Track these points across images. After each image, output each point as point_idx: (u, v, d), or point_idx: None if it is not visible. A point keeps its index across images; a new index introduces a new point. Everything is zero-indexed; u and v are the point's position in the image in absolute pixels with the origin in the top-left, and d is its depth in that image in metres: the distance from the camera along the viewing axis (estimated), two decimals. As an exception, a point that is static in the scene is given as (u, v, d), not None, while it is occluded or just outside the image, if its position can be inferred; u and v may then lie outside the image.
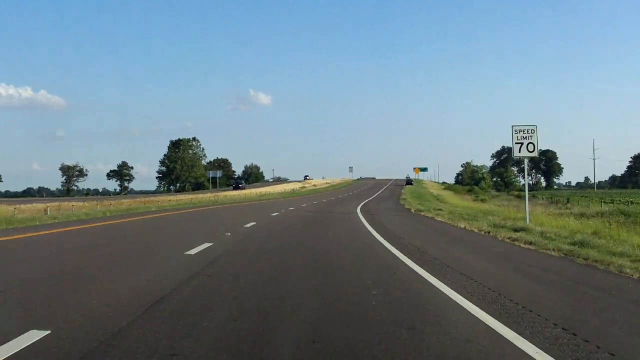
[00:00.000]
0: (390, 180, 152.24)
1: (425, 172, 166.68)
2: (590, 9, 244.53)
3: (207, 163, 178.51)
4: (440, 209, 33.21)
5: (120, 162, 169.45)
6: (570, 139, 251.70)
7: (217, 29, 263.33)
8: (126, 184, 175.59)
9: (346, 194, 72.74)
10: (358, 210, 34.49)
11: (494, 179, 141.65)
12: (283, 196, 71.62)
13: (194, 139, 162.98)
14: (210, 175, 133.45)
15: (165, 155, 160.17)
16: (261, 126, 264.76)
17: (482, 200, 73.83)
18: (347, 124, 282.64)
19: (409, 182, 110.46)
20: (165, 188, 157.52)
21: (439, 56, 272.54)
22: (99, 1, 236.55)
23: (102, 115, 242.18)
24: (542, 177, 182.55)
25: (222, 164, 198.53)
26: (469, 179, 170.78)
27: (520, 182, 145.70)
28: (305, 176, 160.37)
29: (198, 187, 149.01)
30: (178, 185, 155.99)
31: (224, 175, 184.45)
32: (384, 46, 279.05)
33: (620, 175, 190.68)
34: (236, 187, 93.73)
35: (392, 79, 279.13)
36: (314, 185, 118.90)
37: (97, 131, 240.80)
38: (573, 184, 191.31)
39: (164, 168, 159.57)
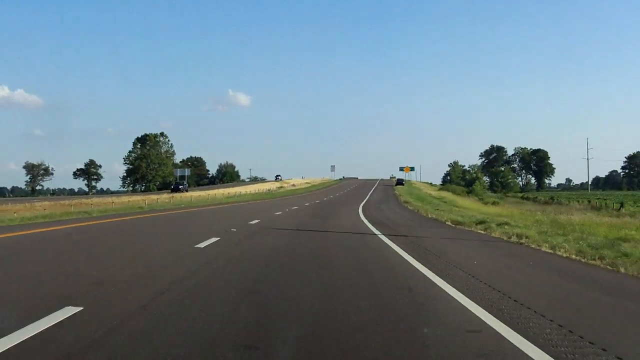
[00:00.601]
0: (376, 180, 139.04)
1: (412, 171, 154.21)
2: (586, 6, 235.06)
3: (180, 162, 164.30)
4: (506, 223, 19.57)
5: (87, 161, 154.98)
6: (554, 138, 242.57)
7: (199, 30, 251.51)
8: (94, 184, 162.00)
9: (332, 196, 59.18)
10: (366, 222, 20.93)
11: (487, 180, 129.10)
12: (256, 198, 57.65)
13: (161, 134, 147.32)
14: (178, 174, 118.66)
15: (130, 152, 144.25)
16: (240, 126, 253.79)
17: (494, 204, 60.92)
18: (328, 123, 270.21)
19: (399, 182, 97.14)
20: (130, 188, 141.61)
21: (420, 57, 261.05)
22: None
23: (80, 115, 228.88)
24: (533, 178, 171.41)
25: (195, 163, 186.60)
26: (457, 179, 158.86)
27: (519, 183, 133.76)
28: (277, 176, 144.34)
29: (166, 186, 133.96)
30: (144, 184, 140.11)
31: (194, 174, 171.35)
32: (366, 46, 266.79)
33: (604, 176, 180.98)
34: (175, 189, 79.15)
35: (373, 79, 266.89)
36: (293, 185, 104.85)
37: (74, 130, 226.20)
38: (553, 184, 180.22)
39: (129, 166, 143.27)
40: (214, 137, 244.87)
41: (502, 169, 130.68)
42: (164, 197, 51.32)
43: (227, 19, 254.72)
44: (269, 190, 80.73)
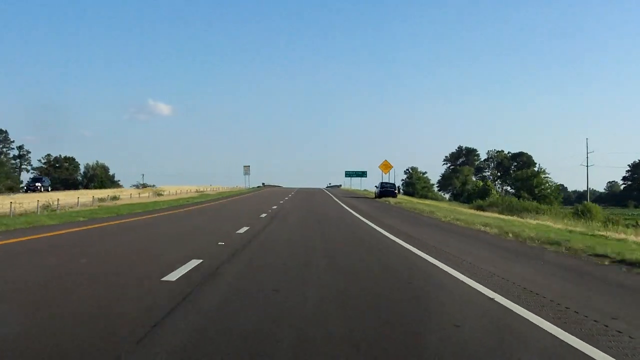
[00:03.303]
0: (316, 189, 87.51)
1: (364, 177, 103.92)
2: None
3: (43, 163, 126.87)
4: None
5: None
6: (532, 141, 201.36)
7: (116, 38, 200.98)
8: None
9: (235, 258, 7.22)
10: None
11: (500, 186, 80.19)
12: None
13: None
14: None
15: None
16: (155, 133, 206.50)
17: None
18: (243, 128, 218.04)
19: (387, 190, 43.58)
20: None
21: (355, 55, 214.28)
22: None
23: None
24: (510, 188, 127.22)
25: (63, 164, 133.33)
26: (424, 190, 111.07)
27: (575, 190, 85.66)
28: (34, 180, 65.61)
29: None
30: None
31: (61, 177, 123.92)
32: (293, 46, 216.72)
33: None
34: None
35: (304, 82, 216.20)
36: (159, 194, 50.13)
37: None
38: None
39: None
40: (129, 145, 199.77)
41: (533, 172, 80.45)
42: None
43: (147, 29, 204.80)
44: (44, 206, 25.51)
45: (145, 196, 44.47)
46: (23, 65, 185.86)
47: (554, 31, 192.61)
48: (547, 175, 76.00)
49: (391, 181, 53.18)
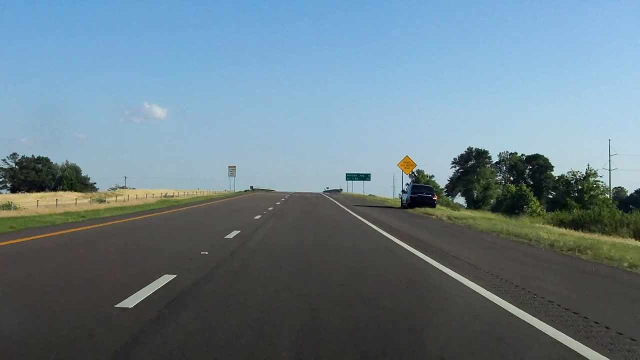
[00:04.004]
0: (312, 194, 74.43)
1: (368, 181, 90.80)
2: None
3: (17, 163, 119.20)
4: None
5: None
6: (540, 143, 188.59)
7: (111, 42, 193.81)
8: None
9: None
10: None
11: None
12: None
13: None
14: None
15: None
16: (152, 138, 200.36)
17: None
18: (237, 130, 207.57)
19: (423, 197, 31.22)
20: None
21: (361, 53, 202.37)
22: None
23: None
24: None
25: (28, 164, 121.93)
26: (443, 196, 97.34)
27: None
28: None
29: None
30: None
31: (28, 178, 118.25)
32: (285, 46, 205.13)
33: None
34: None
35: (295, 79, 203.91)
36: (101, 200, 36.41)
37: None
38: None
39: None
40: (122, 148, 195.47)
41: (584, 175, 65.48)
42: None
43: (145, 30, 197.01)
44: None
45: (72, 204, 30.76)
46: (18, 67, 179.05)
47: (557, 34, 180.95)
48: (598, 178, 62.91)
49: (401, 185, 39.79)
